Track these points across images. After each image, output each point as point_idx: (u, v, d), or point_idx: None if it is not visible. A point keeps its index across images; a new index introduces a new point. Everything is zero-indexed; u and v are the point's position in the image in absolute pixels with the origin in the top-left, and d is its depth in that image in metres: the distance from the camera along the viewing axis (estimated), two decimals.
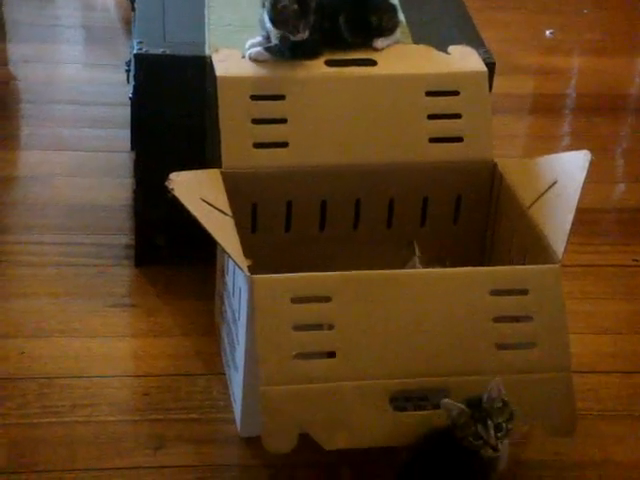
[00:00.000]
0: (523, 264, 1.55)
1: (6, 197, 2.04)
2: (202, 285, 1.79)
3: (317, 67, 1.65)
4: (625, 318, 1.83)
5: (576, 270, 1.91)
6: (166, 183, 1.48)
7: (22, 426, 1.54)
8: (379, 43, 1.68)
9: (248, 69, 1.64)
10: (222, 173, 1.58)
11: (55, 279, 1.83)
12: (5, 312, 1.75)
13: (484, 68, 1.69)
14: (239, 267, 1.40)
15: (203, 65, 1.68)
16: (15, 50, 2.51)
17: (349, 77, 1.65)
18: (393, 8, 1.73)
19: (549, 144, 2.33)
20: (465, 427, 1.34)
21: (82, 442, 1.52)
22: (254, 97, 1.62)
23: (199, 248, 1.69)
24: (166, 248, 1.85)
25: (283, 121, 1.62)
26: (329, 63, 1.66)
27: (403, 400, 1.45)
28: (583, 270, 1.92)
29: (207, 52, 1.70)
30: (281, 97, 1.63)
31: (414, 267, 1.58)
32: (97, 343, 1.70)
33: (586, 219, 1.95)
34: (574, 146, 2.27)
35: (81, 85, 2.37)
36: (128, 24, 2.46)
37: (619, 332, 1.80)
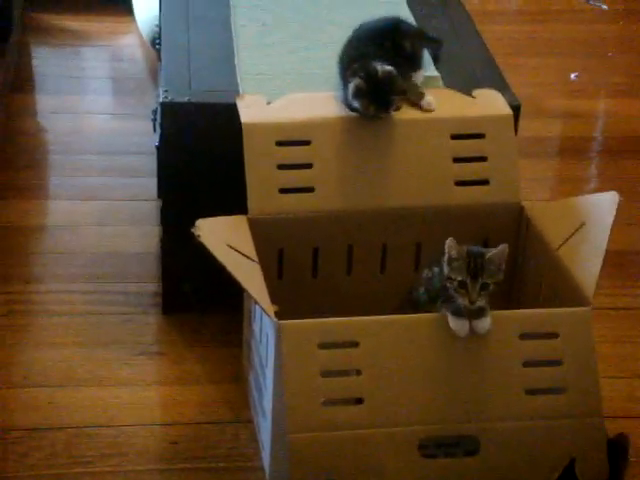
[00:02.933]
0: (552, 307, 1.53)
1: (35, 246, 2.05)
2: (229, 332, 1.79)
3: (342, 112, 1.66)
4: None
5: (607, 313, 1.89)
6: (192, 229, 1.48)
7: (51, 477, 1.54)
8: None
9: (273, 115, 1.65)
10: (248, 219, 1.58)
11: (83, 328, 1.83)
12: (34, 361, 1.75)
13: (509, 111, 1.69)
14: (266, 313, 1.40)
15: (229, 113, 1.68)
16: (43, 101, 2.54)
17: (374, 121, 1.65)
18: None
19: (576, 187, 2.32)
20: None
21: None
22: (279, 143, 1.62)
23: (226, 295, 1.69)
24: (193, 295, 1.85)
25: (309, 166, 1.63)
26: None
27: (434, 447, 1.43)
28: (614, 313, 1.90)
29: (233, 100, 1.70)
30: (306, 142, 1.63)
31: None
32: (125, 392, 1.70)
33: (615, 261, 1.93)
34: (601, 188, 2.25)
35: (108, 135, 2.39)
36: (155, 75, 2.48)
37: None
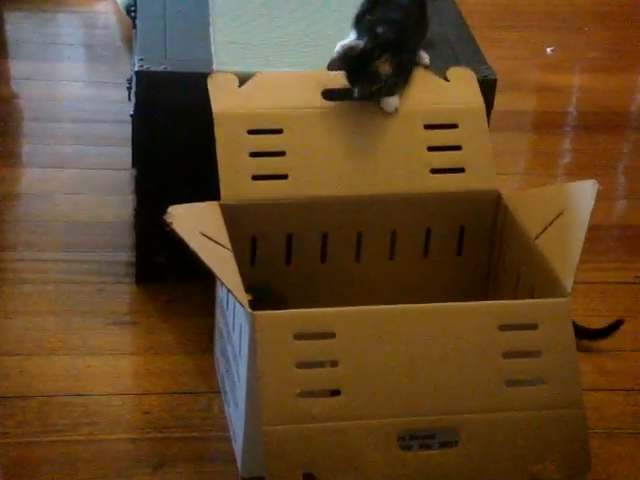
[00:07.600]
0: (530, 297, 1.52)
1: (7, 214, 2.03)
2: (203, 303, 1.79)
3: (315, 100, 1.64)
4: (627, 335, 1.82)
5: (578, 287, 1.88)
6: (165, 217, 1.43)
7: (22, 445, 1.53)
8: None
9: (244, 103, 1.62)
10: (221, 205, 1.54)
11: (56, 296, 1.82)
12: (6, 329, 1.75)
13: (481, 102, 1.67)
14: (240, 303, 1.36)
15: (206, 82, 1.66)
16: (17, 68, 2.51)
17: (347, 110, 1.63)
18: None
19: (550, 161, 2.33)
20: None
21: (82, 461, 1.51)
22: (252, 131, 1.60)
23: (200, 266, 1.68)
24: (167, 266, 1.84)
25: (282, 154, 1.60)
26: (326, 96, 1.65)
27: (409, 438, 1.40)
28: (585, 287, 1.91)
29: (210, 69, 1.69)
30: (279, 131, 1.61)
31: None
32: (98, 361, 1.70)
33: (589, 236, 1.94)
34: (575, 163, 2.26)
35: (82, 103, 2.37)
36: (130, 42, 2.46)
37: (621, 349, 1.79)
